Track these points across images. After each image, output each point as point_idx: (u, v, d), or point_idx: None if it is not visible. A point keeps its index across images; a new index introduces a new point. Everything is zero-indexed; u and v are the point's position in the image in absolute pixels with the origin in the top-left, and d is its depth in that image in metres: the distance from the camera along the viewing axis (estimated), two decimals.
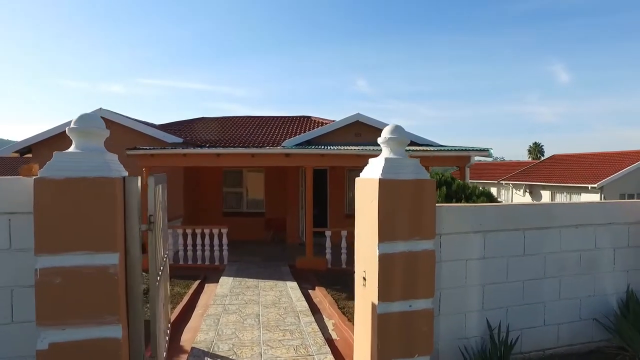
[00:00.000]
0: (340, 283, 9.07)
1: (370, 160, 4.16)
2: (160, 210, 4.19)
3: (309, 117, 17.90)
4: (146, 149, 10.83)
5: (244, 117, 18.15)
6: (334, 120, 14.62)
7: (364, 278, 4.02)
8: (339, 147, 11.19)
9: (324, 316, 6.90)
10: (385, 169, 3.76)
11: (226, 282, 8.95)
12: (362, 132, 14.10)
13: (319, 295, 8.18)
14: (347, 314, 6.79)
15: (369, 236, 3.89)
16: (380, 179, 3.70)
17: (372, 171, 3.94)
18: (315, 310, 7.14)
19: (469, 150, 10.71)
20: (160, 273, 4.03)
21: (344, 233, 10.91)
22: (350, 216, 15.29)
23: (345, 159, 10.90)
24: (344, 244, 10.89)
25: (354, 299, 8.28)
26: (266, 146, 12.06)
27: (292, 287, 8.45)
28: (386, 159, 3.82)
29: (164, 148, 11.21)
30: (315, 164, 10.84)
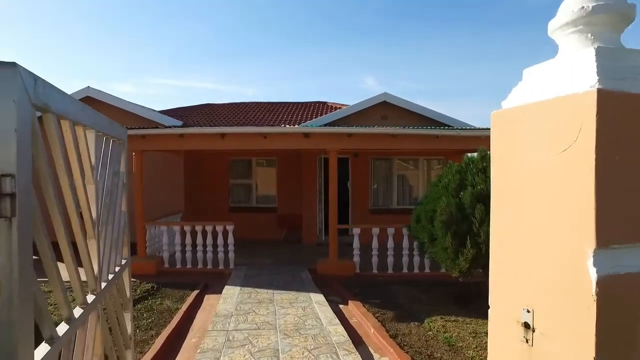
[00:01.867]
0: (377, 294, 6.83)
1: (532, 69, 1.90)
2: (76, 177, 1.96)
3: (324, 103, 15.68)
4: (135, 128, 8.65)
5: (253, 103, 15.96)
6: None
7: (526, 326, 1.77)
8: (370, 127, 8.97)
9: (370, 350, 4.67)
10: (604, 70, 1.51)
11: (231, 293, 6.74)
12: (389, 114, 11.88)
13: (356, 313, 5.94)
14: (406, 346, 4.55)
15: (551, 233, 1.65)
16: (599, 91, 1.45)
17: (559, 80, 1.67)
18: (357, 340, 4.91)
19: None
20: (84, 307, 1.80)
21: (375, 231, 8.69)
22: (377, 212, 13.11)
23: (377, 140, 8.65)
24: (375, 244, 8.68)
25: (404, 320, 5.49)
26: (281, 124, 9.88)
27: (318, 302, 6.22)
28: (599, 51, 1.56)
29: (157, 128, 9.03)
30: (340, 146, 8.61)
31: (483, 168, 5.80)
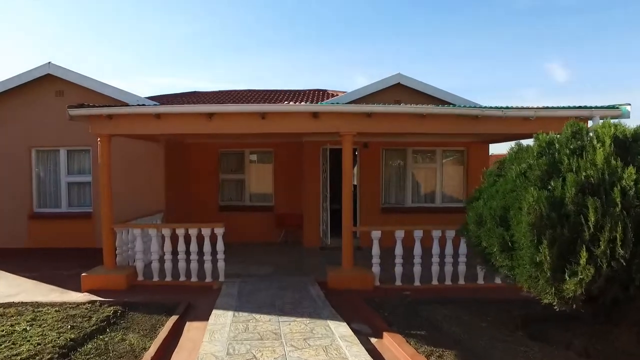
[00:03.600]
0: (417, 320, 4.98)
1: None
2: None
3: (324, 91, 13.78)
4: (99, 107, 6.68)
5: (246, 90, 14.00)
6: None
7: None
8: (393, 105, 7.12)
9: None
10: None
11: (221, 323, 4.82)
12: (404, 98, 10.02)
13: (400, 355, 4.08)
14: None
15: None
16: None
17: None
18: None
19: (592, 109, 6.67)
20: None
21: (399, 234, 6.86)
22: (389, 211, 11.25)
23: (403, 121, 6.81)
24: (398, 250, 6.85)
25: None
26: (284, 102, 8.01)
27: (343, 337, 4.34)
28: None
29: (128, 105, 7.08)
30: (357, 129, 6.76)
31: (579, 148, 4.00)
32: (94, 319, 4.83)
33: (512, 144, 5.02)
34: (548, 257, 3.48)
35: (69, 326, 4.52)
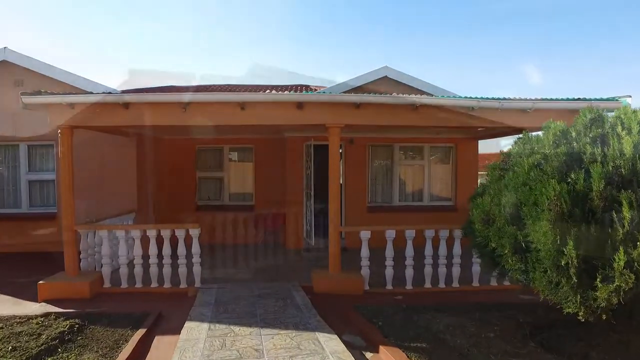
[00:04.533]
0: (415, 330, 4.43)
1: None
2: None
3: (307, 86, 13.17)
4: (59, 95, 5.91)
5: (225, 85, 13.26)
6: None
7: None
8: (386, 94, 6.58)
9: None
10: None
11: (195, 337, 4.17)
12: (390, 92, 9.52)
13: None
14: None
15: None
16: None
17: None
18: None
19: (592, 101, 6.27)
20: None
21: (390, 234, 6.31)
22: (375, 210, 10.71)
23: (394, 113, 6.28)
24: (389, 251, 6.31)
25: None
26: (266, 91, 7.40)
27: (335, 353, 3.73)
28: None
29: (92, 93, 6.32)
30: (345, 121, 6.20)
31: (600, 137, 3.52)
32: (43, 336, 4.10)
33: (507, 140, 4.59)
34: (575, 260, 2.97)
35: (10, 347, 3.78)
